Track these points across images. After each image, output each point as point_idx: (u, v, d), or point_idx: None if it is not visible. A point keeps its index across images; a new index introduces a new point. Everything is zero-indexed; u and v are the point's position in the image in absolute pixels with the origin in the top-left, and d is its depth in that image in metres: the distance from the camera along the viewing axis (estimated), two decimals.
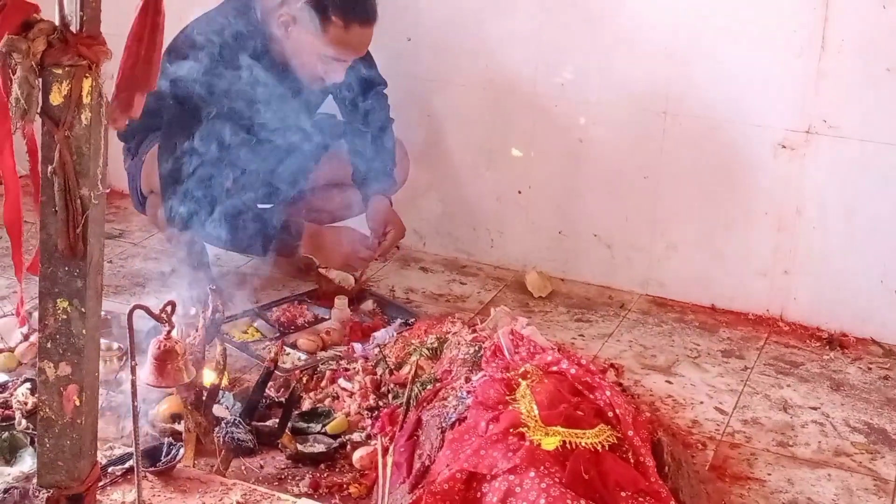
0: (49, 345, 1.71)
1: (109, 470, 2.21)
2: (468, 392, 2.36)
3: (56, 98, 1.57)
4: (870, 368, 3.08)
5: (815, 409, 2.85)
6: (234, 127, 2.96)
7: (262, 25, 3.05)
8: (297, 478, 2.39)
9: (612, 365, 3.01)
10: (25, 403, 2.46)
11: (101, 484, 2.08)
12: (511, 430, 2.14)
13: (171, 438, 2.35)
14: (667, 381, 2.96)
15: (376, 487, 2.28)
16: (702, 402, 2.86)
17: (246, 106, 2.99)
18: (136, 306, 1.89)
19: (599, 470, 2.09)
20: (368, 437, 2.54)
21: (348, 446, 2.50)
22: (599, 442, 2.14)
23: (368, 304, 3.22)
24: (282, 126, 3.12)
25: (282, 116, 3.10)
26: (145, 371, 1.98)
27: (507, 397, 2.27)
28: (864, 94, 3.06)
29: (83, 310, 1.69)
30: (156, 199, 3.16)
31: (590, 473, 2.07)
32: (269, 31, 3.05)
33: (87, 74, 1.58)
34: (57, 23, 1.57)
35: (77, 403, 1.74)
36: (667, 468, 2.28)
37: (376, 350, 2.88)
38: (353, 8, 2.99)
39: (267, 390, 2.58)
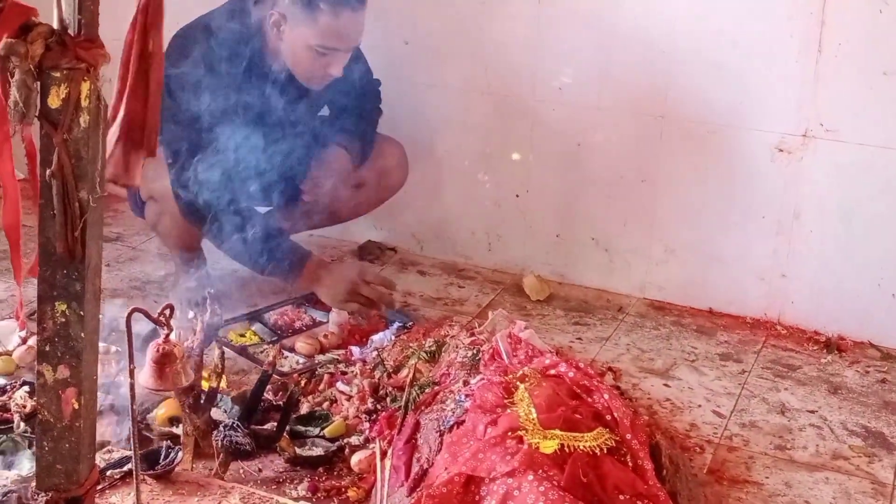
0: (48, 348, 1.71)
1: (108, 473, 2.22)
2: (466, 395, 2.36)
3: (54, 101, 1.58)
4: (867, 372, 3.09)
5: (812, 412, 2.86)
6: (231, 133, 2.97)
7: (257, 31, 3.05)
8: (296, 481, 2.39)
9: (610, 368, 3.02)
10: (24, 406, 2.47)
11: (99, 487, 2.09)
12: (509, 434, 2.14)
13: (169, 442, 2.35)
14: (664, 385, 2.97)
15: (374, 491, 2.28)
16: (699, 406, 2.86)
17: (243, 112, 2.99)
18: (135, 309, 1.89)
19: (598, 473, 2.09)
20: (366, 440, 2.54)
21: (346, 450, 2.50)
22: (597, 445, 2.14)
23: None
24: (282, 129, 3.12)
25: (281, 120, 3.10)
26: (144, 374, 1.98)
27: (506, 400, 2.27)
28: (861, 97, 3.06)
29: (81, 313, 1.69)
30: (154, 205, 3.16)
31: (588, 476, 2.07)
32: (263, 35, 3.05)
33: (86, 78, 1.58)
34: (55, 26, 1.57)
35: (75, 406, 1.74)
36: (665, 471, 2.28)
37: (374, 353, 2.88)
38: None
39: (265, 394, 2.58)
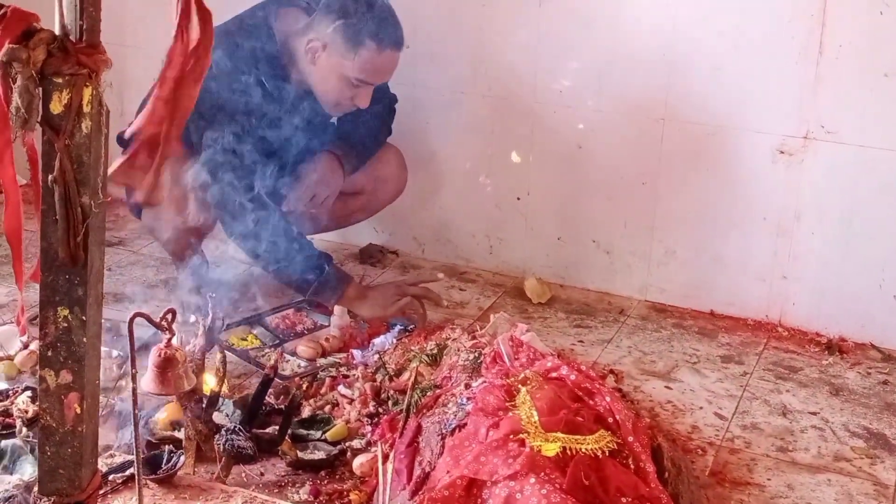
0: (50, 353, 1.72)
1: (110, 478, 2.22)
2: (468, 398, 2.36)
3: (56, 107, 1.58)
4: (869, 373, 3.09)
5: (814, 414, 2.86)
6: (246, 148, 2.97)
7: (281, 49, 3.04)
8: (298, 485, 2.39)
9: (611, 371, 3.02)
10: (26, 411, 2.47)
11: (102, 492, 2.09)
12: (511, 437, 2.14)
13: (171, 446, 2.35)
14: (666, 387, 2.97)
15: (376, 494, 2.28)
16: (701, 408, 2.86)
17: (259, 125, 2.99)
18: (137, 314, 1.90)
19: (600, 476, 2.09)
20: (368, 443, 2.54)
21: (348, 453, 2.50)
22: (599, 448, 2.14)
23: None
24: (295, 145, 3.12)
25: (294, 137, 3.09)
26: (146, 379, 1.98)
27: (507, 403, 2.27)
28: (861, 99, 3.06)
29: (84, 318, 1.69)
30: (150, 210, 3.17)
31: (590, 479, 2.07)
32: (289, 55, 3.05)
33: (88, 83, 1.58)
34: (57, 32, 1.57)
35: (78, 411, 1.74)
36: (667, 474, 2.28)
37: (376, 357, 2.88)
38: (387, 32, 3.02)
39: (267, 397, 2.58)
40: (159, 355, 1.96)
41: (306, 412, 2.66)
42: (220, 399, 2.50)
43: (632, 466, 2.17)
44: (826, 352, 3.19)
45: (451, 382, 2.54)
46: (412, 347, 2.85)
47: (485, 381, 2.41)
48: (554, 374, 2.38)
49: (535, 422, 2.17)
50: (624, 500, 2.07)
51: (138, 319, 1.89)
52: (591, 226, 3.53)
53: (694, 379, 3.02)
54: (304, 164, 3.21)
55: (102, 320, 1.77)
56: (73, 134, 1.59)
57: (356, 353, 2.94)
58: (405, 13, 3.32)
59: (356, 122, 3.27)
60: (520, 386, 2.32)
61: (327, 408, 2.70)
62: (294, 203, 3.23)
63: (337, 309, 3.10)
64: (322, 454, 2.49)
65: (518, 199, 3.60)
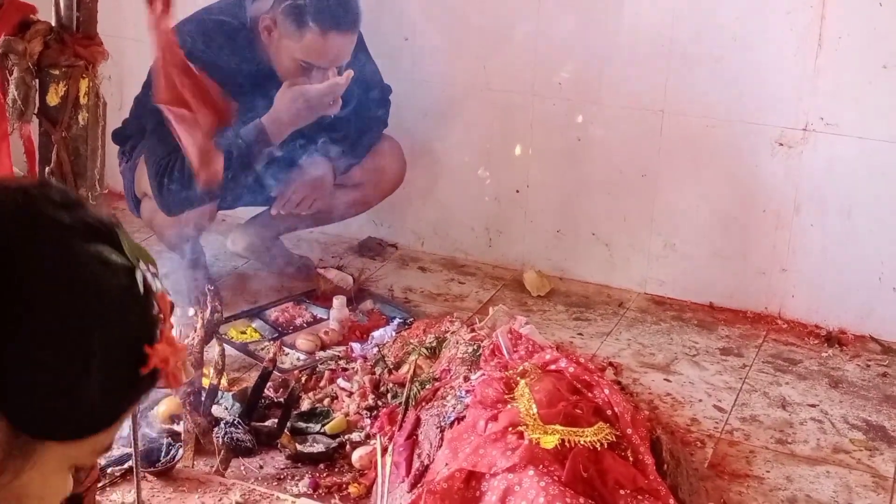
0: None
1: (108, 470, 2.22)
2: (467, 391, 2.36)
3: (53, 99, 1.58)
4: (868, 365, 3.09)
5: (813, 406, 2.86)
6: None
7: (252, 30, 3.05)
8: (297, 478, 2.39)
9: (610, 363, 3.02)
10: None
11: (100, 485, 2.09)
12: (510, 429, 2.14)
13: (170, 439, 2.36)
14: (665, 379, 2.97)
15: (375, 487, 2.28)
16: (700, 400, 2.86)
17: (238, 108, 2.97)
18: None
19: (598, 468, 2.09)
20: (367, 436, 2.54)
21: (347, 446, 2.50)
22: (598, 440, 2.15)
23: (367, 304, 3.23)
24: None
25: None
26: None
27: (506, 396, 2.27)
28: (861, 91, 3.06)
29: None
30: (150, 203, 3.16)
31: (589, 471, 2.07)
32: (257, 34, 3.05)
33: (84, 75, 1.58)
34: (54, 23, 1.57)
35: None
36: (665, 466, 2.28)
37: (375, 350, 2.88)
38: (331, 14, 2.97)
39: (266, 390, 2.58)
40: None
41: (305, 405, 2.66)
42: (219, 392, 2.50)
43: (630, 459, 2.17)
44: (825, 344, 3.19)
45: (449, 375, 2.54)
46: (411, 340, 2.85)
47: (483, 374, 2.41)
48: (553, 367, 2.38)
49: (533, 414, 2.17)
50: (622, 492, 2.08)
51: None
52: (591, 218, 3.52)
53: (693, 371, 3.02)
54: (293, 168, 3.18)
55: None
56: (69, 126, 1.59)
57: (355, 346, 2.94)
58: (404, 6, 3.33)
59: (348, 118, 3.25)
60: (518, 378, 2.32)
61: (326, 401, 2.70)
62: (284, 207, 3.21)
63: (336, 302, 3.10)
64: (321, 447, 2.49)
65: (517, 191, 3.59)
